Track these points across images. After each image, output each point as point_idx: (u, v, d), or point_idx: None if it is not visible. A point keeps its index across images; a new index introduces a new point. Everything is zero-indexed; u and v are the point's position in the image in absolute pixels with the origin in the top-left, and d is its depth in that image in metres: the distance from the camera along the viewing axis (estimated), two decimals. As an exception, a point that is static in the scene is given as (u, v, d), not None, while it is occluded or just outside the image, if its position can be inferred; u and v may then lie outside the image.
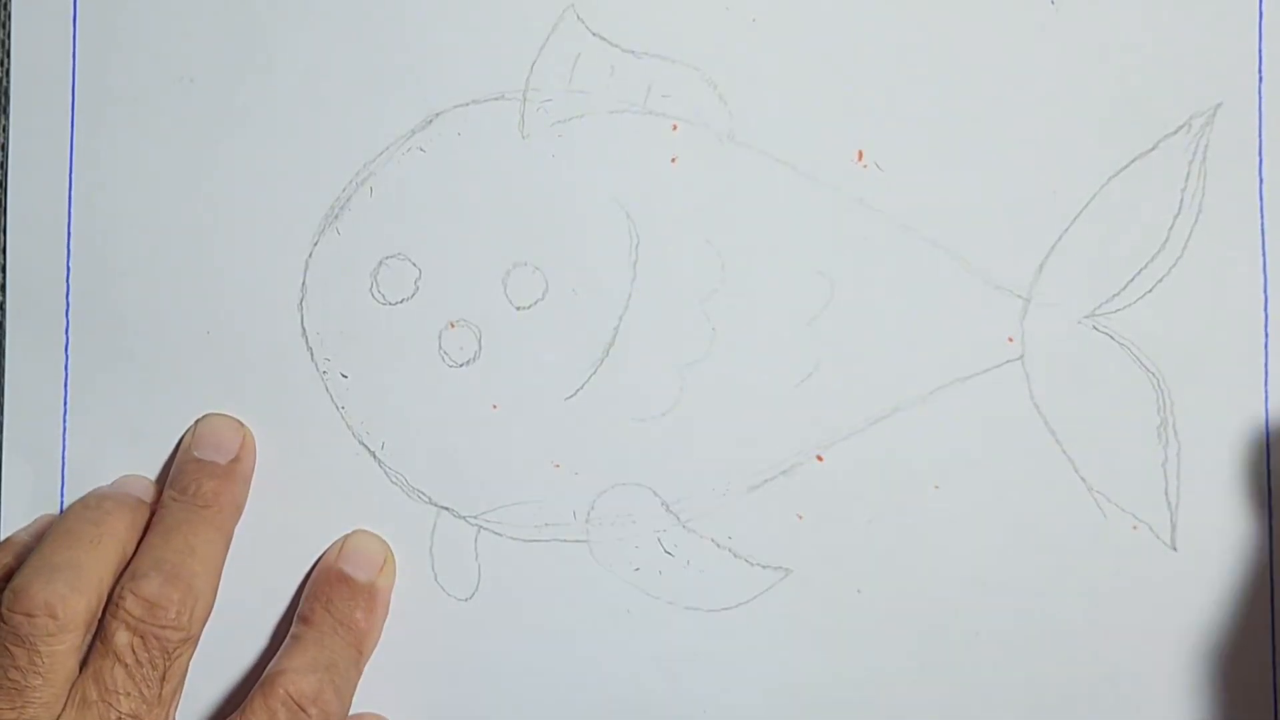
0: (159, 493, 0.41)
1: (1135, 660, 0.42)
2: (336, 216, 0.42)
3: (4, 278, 0.42)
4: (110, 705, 0.37)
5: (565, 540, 0.42)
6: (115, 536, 0.39)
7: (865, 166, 0.42)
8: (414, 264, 0.42)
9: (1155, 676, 0.42)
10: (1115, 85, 0.42)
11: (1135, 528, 0.42)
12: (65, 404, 0.42)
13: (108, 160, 0.42)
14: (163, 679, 0.37)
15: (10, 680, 0.36)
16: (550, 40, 0.42)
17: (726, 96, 0.42)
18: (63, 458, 0.42)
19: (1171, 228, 0.42)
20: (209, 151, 0.42)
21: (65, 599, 0.37)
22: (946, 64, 0.42)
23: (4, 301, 0.43)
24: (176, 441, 0.42)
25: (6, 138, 0.42)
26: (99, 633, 0.38)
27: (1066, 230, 0.42)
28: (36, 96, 0.42)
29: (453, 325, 0.42)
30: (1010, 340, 0.42)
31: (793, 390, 0.42)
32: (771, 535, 0.42)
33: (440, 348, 0.42)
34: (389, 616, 0.42)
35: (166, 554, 0.39)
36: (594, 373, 0.42)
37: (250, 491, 0.42)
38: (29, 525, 0.42)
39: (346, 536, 0.42)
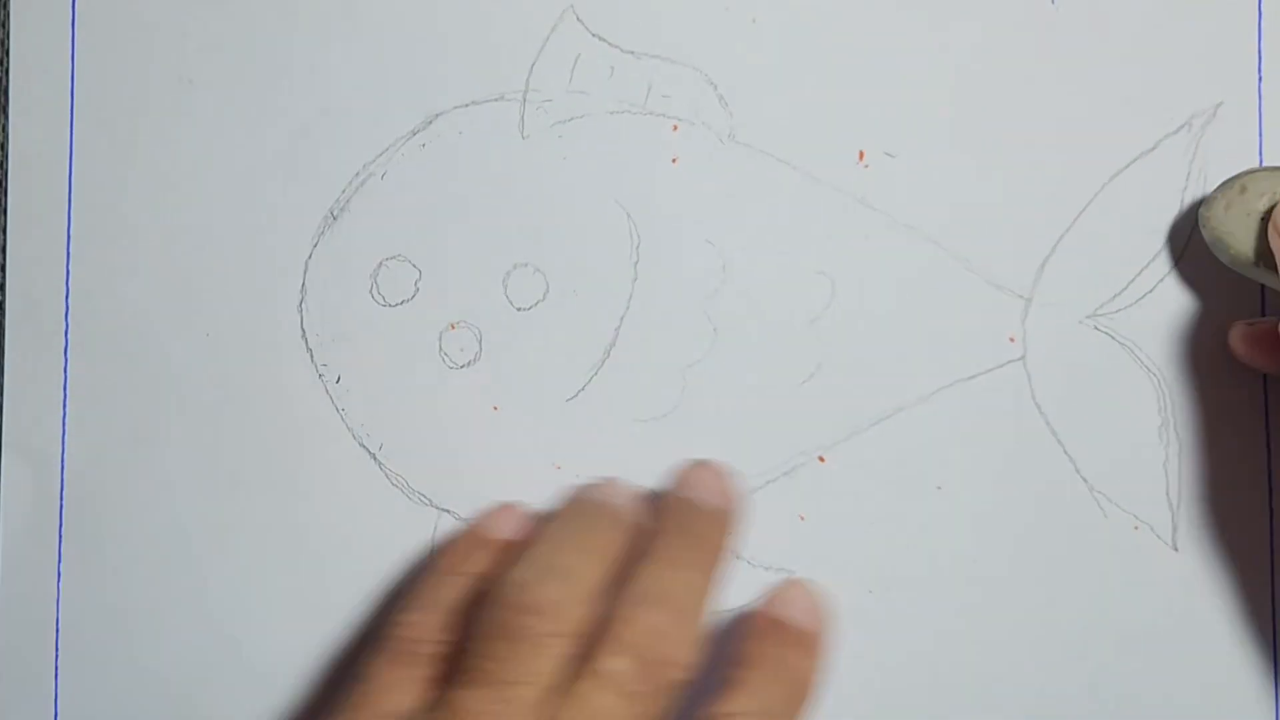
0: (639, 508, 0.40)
1: (1137, 660, 0.42)
2: (336, 217, 0.42)
3: (4, 278, 0.42)
4: None
5: (566, 542, 0.42)
6: (613, 552, 0.37)
7: (866, 166, 0.42)
8: (414, 265, 0.42)
9: (1156, 676, 0.42)
10: (1116, 85, 0.42)
11: (1136, 528, 0.42)
12: (65, 404, 0.42)
13: (107, 161, 0.42)
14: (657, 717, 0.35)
15: (503, 675, 0.34)
16: (550, 41, 0.42)
17: (727, 97, 0.42)
18: (62, 458, 0.42)
19: (1172, 227, 0.42)
20: (208, 152, 0.42)
21: (567, 608, 0.35)
22: (947, 64, 0.42)
23: (3, 301, 0.42)
24: (176, 439, 0.42)
25: (6, 137, 0.42)
26: (589, 654, 0.35)
27: (1068, 230, 0.42)
28: (36, 97, 0.42)
29: (453, 326, 0.42)
30: (1012, 340, 0.42)
31: (794, 391, 0.42)
32: (773, 536, 0.42)
33: (441, 349, 0.42)
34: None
35: (673, 588, 0.36)
36: (595, 374, 0.42)
37: (250, 493, 0.42)
38: (492, 518, 0.40)
39: (784, 583, 0.40)
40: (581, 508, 0.39)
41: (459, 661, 0.35)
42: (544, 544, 0.37)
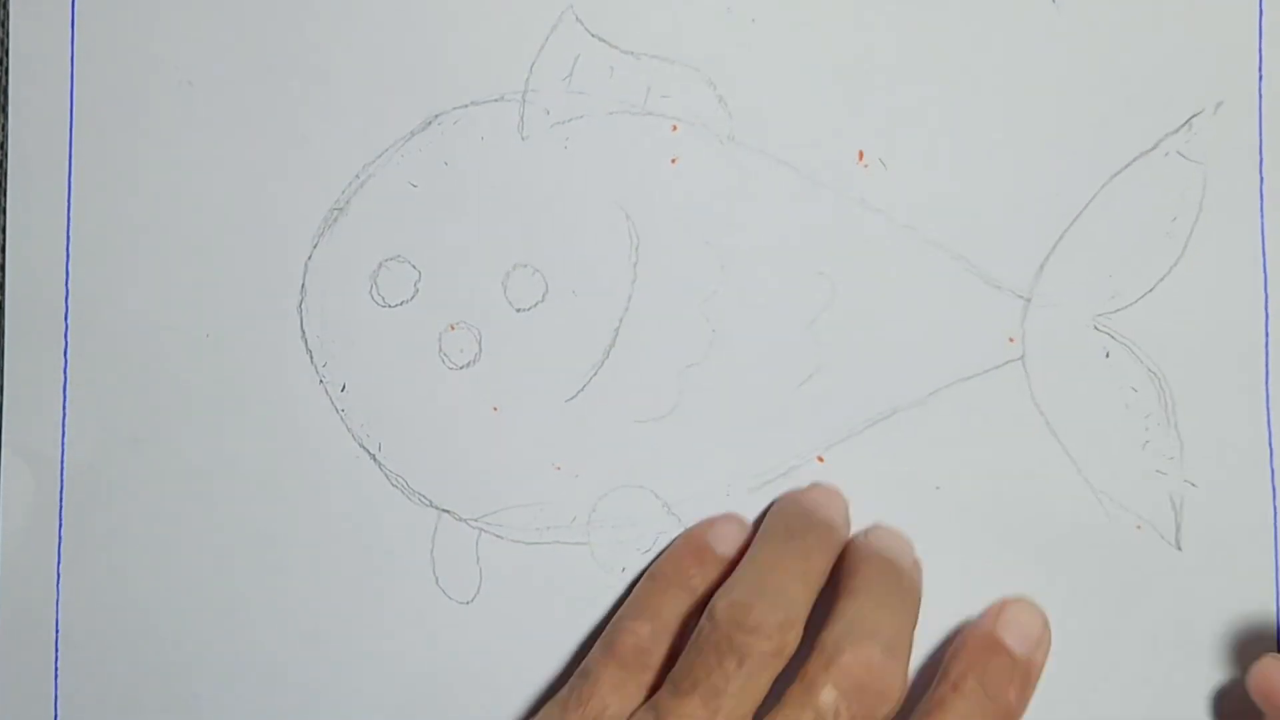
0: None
1: (1139, 660, 0.41)
2: (335, 219, 0.42)
3: (4, 278, 0.42)
4: None
5: (566, 543, 0.42)
6: (820, 575, 0.38)
7: (866, 167, 0.42)
8: (414, 266, 0.42)
9: (1159, 677, 0.42)
10: (1116, 84, 0.42)
11: (1139, 528, 0.42)
12: (64, 405, 0.42)
13: (107, 162, 0.42)
14: None
15: (714, 685, 0.36)
16: (549, 41, 0.42)
17: (726, 97, 0.42)
18: (62, 459, 0.42)
19: (1172, 227, 0.42)
20: (208, 153, 0.42)
21: (785, 631, 0.36)
22: (947, 63, 0.42)
23: (3, 302, 0.42)
24: (177, 440, 0.42)
25: (6, 138, 0.42)
26: (803, 679, 0.36)
27: (1067, 230, 0.42)
28: (35, 97, 0.42)
29: (453, 327, 0.42)
30: (1011, 340, 0.42)
31: (793, 391, 0.42)
32: (773, 536, 0.42)
33: (440, 350, 0.42)
34: (388, 622, 0.42)
35: (882, 628, 0.37)
36: (594, 374, 0.42)
37: (250, 493, 0.42)
38: (713, 530, 0.41)
39: (1005, 603, 0.40)
40: (793, 526, 0.40)
41: (676, 670, 0.37)
42: (761, 562, 0.39)
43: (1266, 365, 0.42)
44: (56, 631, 0.43)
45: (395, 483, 0.42)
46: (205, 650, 0.43)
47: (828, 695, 0.36)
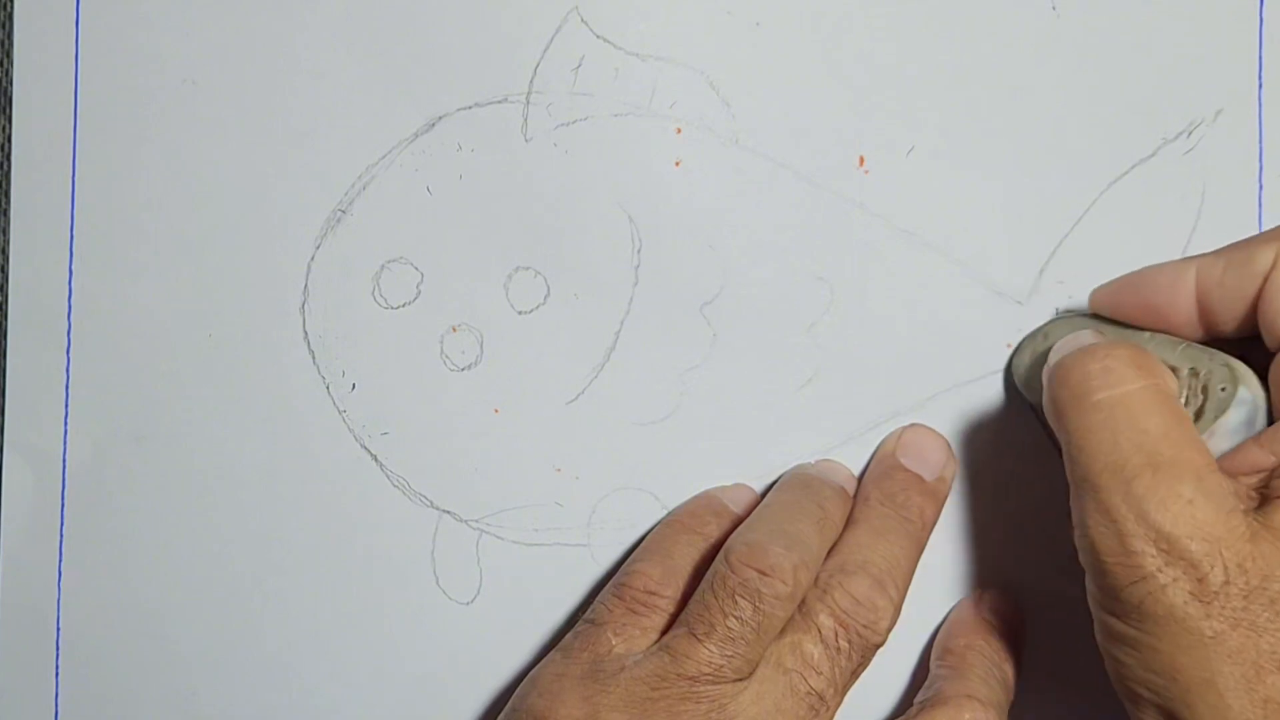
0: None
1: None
2: (339, 220, 0.42)
3: (6, 278, 0.42)
4: (803, 677, 0.37)
5: (567, 544, 0.42)
6: (833, 523, 0.39)
7: (867, 172, 0.42)
8: (416, 268, 0.42)
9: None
10: (1116, 91, 0.42)
11: (1134, 532, 0.42)
12: (66, 404, 0.42)
13: (110, 162, 0.42)
14: (853, 673, 0.38)
15: (729, 628, 0.36)
16: (554, 43, 0.42)
17: (730, 100, 0.42)
18: (64, 459, 0.42)
19: (1171, 233, 0.42)
20: (211, 154, 0.42)
21: (798, 569, 0.37)
22: (948, 70, 0.42)
23: (6, 302, 0.42)
24: (178, 439, 0.42)
25: (9, 139, 0.42)
26: (801, 609, 0.38)
27: (1067, 236, 0.42)
28: (39, 98, 0.42)
29: (454, 329, 0.42)
30: (1009, 346, 0.42)
31: (793, 395, 0.42)
32: (773, 539, 0.42)
33: (442, 351, 0.42)
34: (389, 622, 0.42)
35: (874, 558, 0.39)
36: (595, 377, 0.42)
37: (251, 493, 0.42)
38: (729, 491, 0.42)
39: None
40: (807, 480, 0.41)
41: (689, 611, 0.37)
42: (774, 509, 0.39)
43: (1264, 371, 0.42)
44: (57, 630, 0.43)
45: (396, 483, 0.42)
46: (206, 650, 0.43)
47: (825, 622, 0.37)
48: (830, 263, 0.42)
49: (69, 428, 0.42)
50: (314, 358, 0.42)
